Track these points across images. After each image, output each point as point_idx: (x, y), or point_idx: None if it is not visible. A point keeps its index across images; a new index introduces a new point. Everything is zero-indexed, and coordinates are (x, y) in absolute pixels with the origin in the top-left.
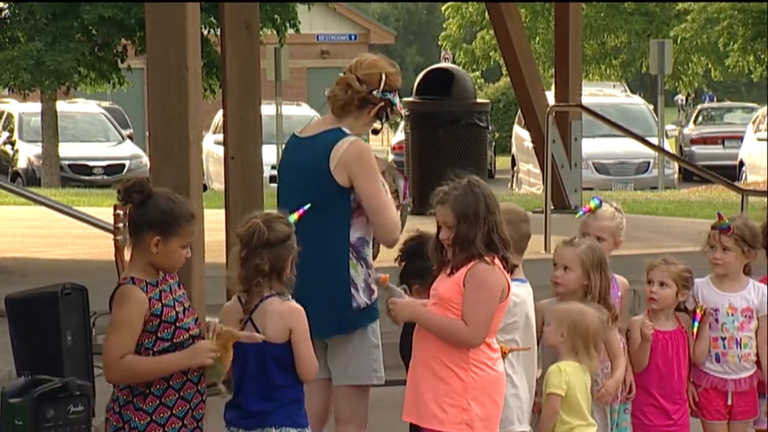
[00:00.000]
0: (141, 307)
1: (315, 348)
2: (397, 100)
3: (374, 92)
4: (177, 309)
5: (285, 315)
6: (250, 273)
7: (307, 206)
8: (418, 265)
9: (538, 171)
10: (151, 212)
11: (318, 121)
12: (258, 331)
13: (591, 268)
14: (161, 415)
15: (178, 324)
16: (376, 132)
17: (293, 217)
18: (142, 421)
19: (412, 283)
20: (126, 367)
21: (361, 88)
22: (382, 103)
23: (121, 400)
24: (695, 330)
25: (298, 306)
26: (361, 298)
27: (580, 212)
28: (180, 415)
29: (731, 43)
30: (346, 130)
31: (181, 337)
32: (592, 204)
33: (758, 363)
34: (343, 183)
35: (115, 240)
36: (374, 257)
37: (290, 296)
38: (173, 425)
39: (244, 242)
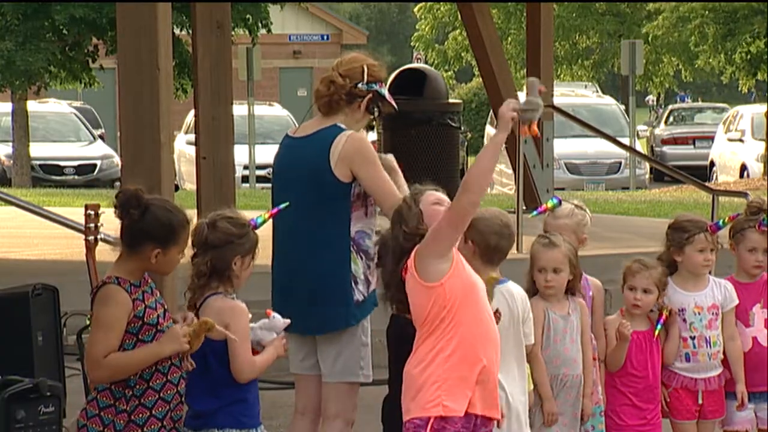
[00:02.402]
0: (126, 308)
1: (302, 344)
2: (385, 91)
3: (359, 85)
4: (158, 311)
5: (223, 312)
6: (194, 272)
7: (284, 205)
8: None
9: (510, 171)
10: (150, 225)
11: (312, 120)
12: None
13: (574, 263)
14: (140, 415)
15: (159, 327)
16: (371, 128)
17: (263, 216)
18: (122, 422)
19: None
20: (110, 365)
21: (345, 83)
22: (370, 95)
23: (101, 402)
24: (657, 332)
25: (240, 304)
26: (359, 292)
27: (534, 212)
28: (159, 416)
29: (702, 44)
30: (342, 125)
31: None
32: (550, 204)
33: (724, 361)
34: (344, 178)
35: (86, 240)
36: None
37: (235, 295)
38: (152, 426)
39: (192, 242)
